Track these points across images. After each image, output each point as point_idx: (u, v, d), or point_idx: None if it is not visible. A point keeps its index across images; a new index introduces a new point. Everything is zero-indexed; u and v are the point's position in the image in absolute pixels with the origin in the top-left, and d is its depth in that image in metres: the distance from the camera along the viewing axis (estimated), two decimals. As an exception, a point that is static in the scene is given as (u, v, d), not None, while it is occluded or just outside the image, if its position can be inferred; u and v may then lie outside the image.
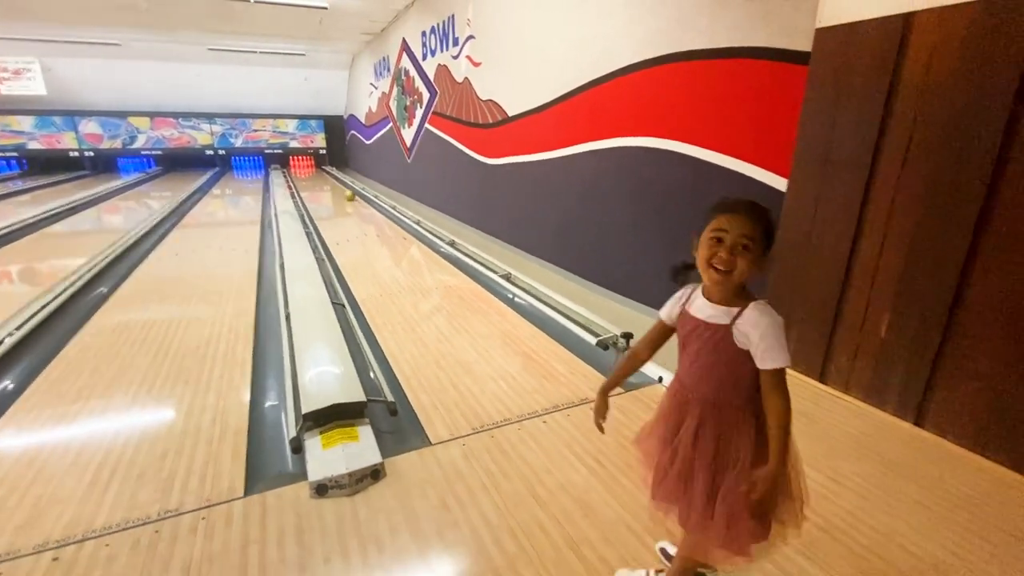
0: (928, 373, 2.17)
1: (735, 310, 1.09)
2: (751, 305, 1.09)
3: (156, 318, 3.58)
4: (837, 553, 1.59)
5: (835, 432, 2.23)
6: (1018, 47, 1.80)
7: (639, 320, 3.65)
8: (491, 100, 5.91)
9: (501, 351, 3.10)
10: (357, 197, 10.02)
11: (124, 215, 8.43)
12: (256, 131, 15.71)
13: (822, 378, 2.60)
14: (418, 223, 7.21)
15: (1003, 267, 1.92)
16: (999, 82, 1.86)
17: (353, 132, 15.05)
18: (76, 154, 14.09)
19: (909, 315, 2.22)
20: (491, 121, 5.95)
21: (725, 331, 1.10)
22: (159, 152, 14.90)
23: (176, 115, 14.73)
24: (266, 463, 2.07)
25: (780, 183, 2.71)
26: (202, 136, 15.20)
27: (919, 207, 2.14)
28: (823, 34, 2.39)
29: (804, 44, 2.50)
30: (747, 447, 1.13)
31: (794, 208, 2.62)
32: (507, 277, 4.58)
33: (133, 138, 14.55)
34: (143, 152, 14.79)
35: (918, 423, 2.25)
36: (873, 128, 2.24)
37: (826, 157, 2.44)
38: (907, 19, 2.09)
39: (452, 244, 5.93)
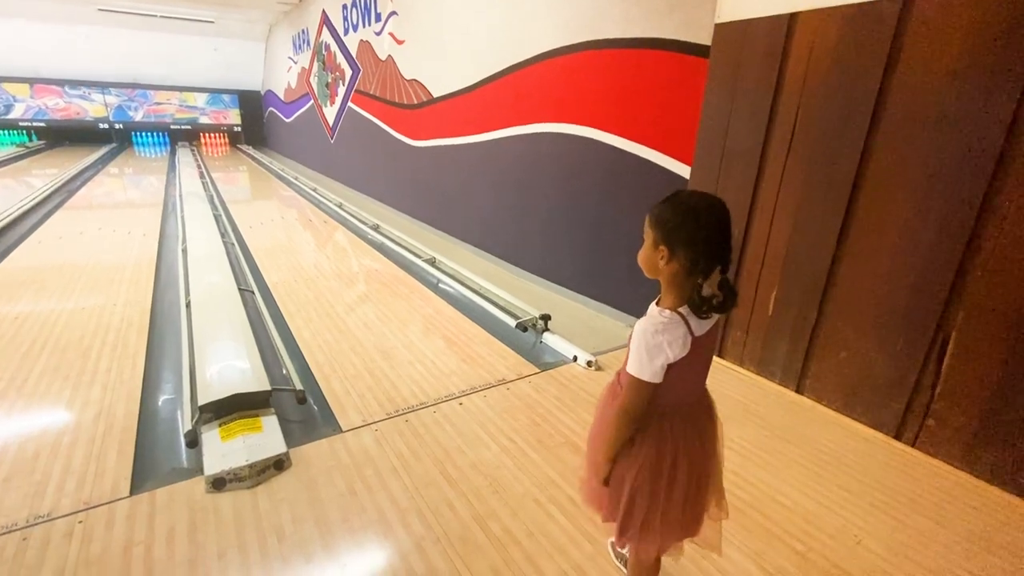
0: (807, 345, 2.40)
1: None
2: (650, 307, 1.09)
3: (32, 309, 3.21)
4: (721, 510, 1.73)
5: (727, 401, 2.42)
6: (876, 53, 1.99)
7: (555, 301, 3.74)
8: (415, 80, 5.75)
9: (422, 336, 3.07)
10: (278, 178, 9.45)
11: (-3, 194, 7.45)
12: (159, 104, 14.33)
13: (720, 353, 2.80)
14: (340, 206, 6.93)
15: (865, 247, 2.15)
16: (862, 84, 2.05)
17: (272, 109, 14.12)
18: (-64, 124, 12.28)
19: (792, 292, 2.44)
20: (416, 102, 5.80)
21: None
22: (41, 124, 13.24)
23: (62, 83, 13.12)
24: (158, 460, 1.93)
25: (685, 171, 2.86)
26: (94, 107, 13.65)
27: (800, 195, 2.34)
28: (721, 29, 2.53)
29: (706, 38, 2.63)
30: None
31: (697, 194, 2.77)
32: (431, 262, 4.53)
33: (9, 107, 12.85)
34: (22, 123, 13.09)
35: (799, 391, 2.49)
36: (763, 120, 2.41)
37: (724, 146, 2.60)
38: (792, 19, 2.25)
39: (376, 228, 5.76)
